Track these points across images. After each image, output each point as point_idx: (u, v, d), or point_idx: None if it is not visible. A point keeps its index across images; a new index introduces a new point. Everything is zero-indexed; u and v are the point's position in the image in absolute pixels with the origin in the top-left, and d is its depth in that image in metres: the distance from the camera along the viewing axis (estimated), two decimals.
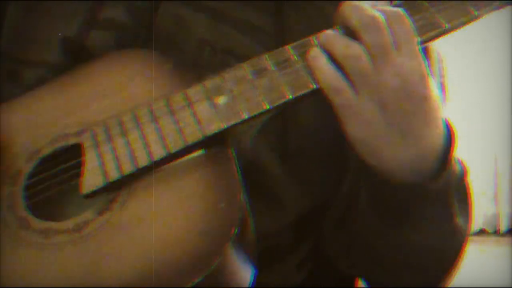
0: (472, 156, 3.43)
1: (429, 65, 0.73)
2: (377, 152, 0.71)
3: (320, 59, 0.71)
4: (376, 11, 0.70)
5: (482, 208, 3.54)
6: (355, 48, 0.70)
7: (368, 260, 0.83)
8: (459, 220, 0.78)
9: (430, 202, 0.74)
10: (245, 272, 0.65)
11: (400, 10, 0.70)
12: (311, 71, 0.71)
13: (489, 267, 3.09)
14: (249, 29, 0.83)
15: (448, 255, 0.81)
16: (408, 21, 0.69)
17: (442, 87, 0.90)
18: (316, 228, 0.89)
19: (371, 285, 0.90)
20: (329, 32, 0.72)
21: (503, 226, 3.59)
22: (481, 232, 3.57)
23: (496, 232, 3.60)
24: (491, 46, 3.31)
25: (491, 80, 3.39)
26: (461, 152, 0.80)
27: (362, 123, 0.70)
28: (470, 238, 0.83)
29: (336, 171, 0.85)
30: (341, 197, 0.85)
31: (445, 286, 0.84)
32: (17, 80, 0.86)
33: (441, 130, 0.72)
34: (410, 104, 0.69)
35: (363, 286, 0.96)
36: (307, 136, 0.82)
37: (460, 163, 0.77)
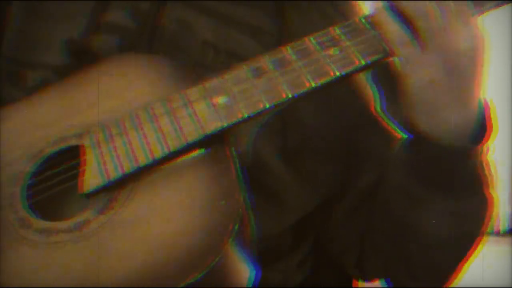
0: None
1: None
2: (433, 111, 0.73)
3: (387, 14, 0.72)
4: None
5: None
6: (429, 5, 0.70)
7: (392, 243, 0.83)
8: (489, 191, 0.80)
9: (471, 167, 0.76)
10: (245, 268, 0.66)
11: None
12: (316, 66, 0.72)
13: (489, 267, 3.09)
14: (252, 31, 0.83)
15: (477, 227, 0.82)
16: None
17: None
18: (317, 226, 0.89)
19: (381, 276, 0.90)
20: None
21: (503, 226, 3.58)
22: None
23: (496, 232, 3.60)
24: (491, 46, 3.30)
25: (491, 80, 3.38)
26: None
27: (424, 79, 0.71)
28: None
29: (338, 168, 0.85)
30: (354, 191, 0.86)
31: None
32: (20, 82, 0.86)
33: (479, 99, 0.74)
34: (471, 68, 0.71)
35: (363, 286, 0.96)
36: (307, 134, 0.83)
37: None
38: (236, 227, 0.62)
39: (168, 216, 0.66)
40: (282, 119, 0.81)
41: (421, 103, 0.73)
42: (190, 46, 0.82)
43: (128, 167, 0.70)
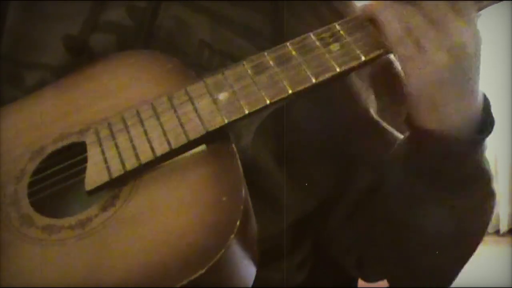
0: None
1: None
2: (436, 108, 0.72)
3: (386, 11, 0.72)
4: None
5: None
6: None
7: (393, 245, 0.83)
8: (492, 185, 0.79)
9: (477, 161, 0.76)
10: (248, 265, 0.66)
11: None
12: (317, 62, 0.72)
13: (489, 267, 3.09)
14: (247, 32, 0.83)
15: (480, 224, 0.82)
16: None
17: None
18: (316, 228, 0.89)
19: (380, 278, 0.90)
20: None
21: (503, 226, 3.59)
22: None
23: (496, 232, 3.60)
24: (491, 46, 3.31)
25: (491, 80, 3.39)
26: None
27: (424, 77, 0.71)
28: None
29: (335, 171, 0.85)
30: (352, 193, 0.86)
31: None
32: (19, 83, 0.86)
33: (480, 92, 0.74)
34: (470, 61, 0.71)
35: (363, 286, 0.96)
36: (302, 136, 0.83)
37: None
38: (239, 222, 0.62)
39: (170, 213, 0.66)
40: (278, 122, 0.81)
41: (422, 101, 0.73)
42: (186, 45, 0.82)
43: (130, 164, 0.70)
